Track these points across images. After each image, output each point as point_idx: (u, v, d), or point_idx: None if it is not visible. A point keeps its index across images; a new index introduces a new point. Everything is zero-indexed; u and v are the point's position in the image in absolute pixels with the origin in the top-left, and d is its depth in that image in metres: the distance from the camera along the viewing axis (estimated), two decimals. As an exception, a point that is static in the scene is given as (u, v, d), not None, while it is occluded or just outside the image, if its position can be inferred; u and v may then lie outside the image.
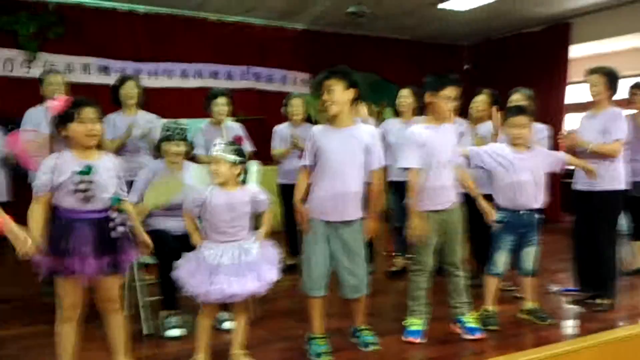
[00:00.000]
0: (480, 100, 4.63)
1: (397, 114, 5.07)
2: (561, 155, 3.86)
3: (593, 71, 4.02)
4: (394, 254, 5.28)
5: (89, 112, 2.61)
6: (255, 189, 3.03)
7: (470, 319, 3.55)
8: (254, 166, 3.67)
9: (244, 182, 2.98)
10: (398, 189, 4.82)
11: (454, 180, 3.49)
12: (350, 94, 3.13)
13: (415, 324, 3.51)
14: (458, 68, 9.86)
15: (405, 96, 4.89)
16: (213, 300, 2.81)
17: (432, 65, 9.28)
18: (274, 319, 3.77)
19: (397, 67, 9.10)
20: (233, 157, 2.88)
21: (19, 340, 3.43)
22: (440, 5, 7.35)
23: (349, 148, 3.13)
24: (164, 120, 4.04)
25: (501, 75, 8.32)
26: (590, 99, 4.09)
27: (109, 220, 2.64)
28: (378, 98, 8.69)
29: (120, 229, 2.65)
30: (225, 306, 3.42)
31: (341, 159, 3.12)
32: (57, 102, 2.64)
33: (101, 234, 2.60)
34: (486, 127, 4.46)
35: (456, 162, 3.54)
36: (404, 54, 9.26)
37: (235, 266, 2.81)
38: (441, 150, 3.40)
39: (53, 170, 2.56)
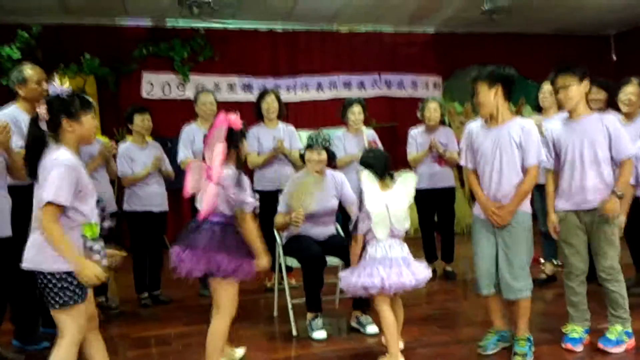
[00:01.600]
0: (631, 92, 4.08)
1: (539, 110, 4.78)
2: None
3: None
4: (541, 260, 4.98)
5: None
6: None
7: (612, 331, 3.21)
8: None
9: None
10: (541, 190, 4.56)
11: (602, 179, 3.17)
12: (497, 90, 3.07)
13: (576, 331, 3.27)
14: (605, 59, 9.11)
15: (548, 91, 4.60)
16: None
17: (574, 59, 8.62)
18: (414, 325, 3.74)
19: (535, 62, 8.58)
20: None
21: (182, 337, 3.76)
22: (584, -7, 6.84)
23: (501, 146, 3.06)
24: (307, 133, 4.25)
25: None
26: None
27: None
28: (517, 96, 8.31)
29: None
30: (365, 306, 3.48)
31: (491, 158, 3.09)
32: (237, 118, 2.88)
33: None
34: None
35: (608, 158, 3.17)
36: (541, 49, 8.72)
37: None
38: (580, 147, 3.16)
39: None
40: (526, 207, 3.13)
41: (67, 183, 2.31)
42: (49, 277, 2.34)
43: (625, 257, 4.43)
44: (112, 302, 4.53)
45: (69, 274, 2.34)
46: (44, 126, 2.42)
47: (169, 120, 6.55)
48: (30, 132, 2.46)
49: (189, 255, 2.73)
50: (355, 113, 4.74)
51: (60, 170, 2.30)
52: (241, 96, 7.51)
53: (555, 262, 4.77)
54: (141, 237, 4.55)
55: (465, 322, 3.87)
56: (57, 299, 2.36)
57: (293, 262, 3.77)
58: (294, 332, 3.65)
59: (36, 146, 2.42)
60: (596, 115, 3.24)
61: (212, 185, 2.74)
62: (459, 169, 5.39)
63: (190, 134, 4.66)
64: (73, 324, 2.41)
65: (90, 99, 2.57)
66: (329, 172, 3.88)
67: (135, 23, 7.35)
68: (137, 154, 4.54)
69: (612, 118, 3.23)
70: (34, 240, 2.38)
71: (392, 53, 8.20)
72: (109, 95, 7.05)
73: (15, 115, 3.58)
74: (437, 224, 5.27)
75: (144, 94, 7.32)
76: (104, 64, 6.97)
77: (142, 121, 4.57)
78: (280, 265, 3.86)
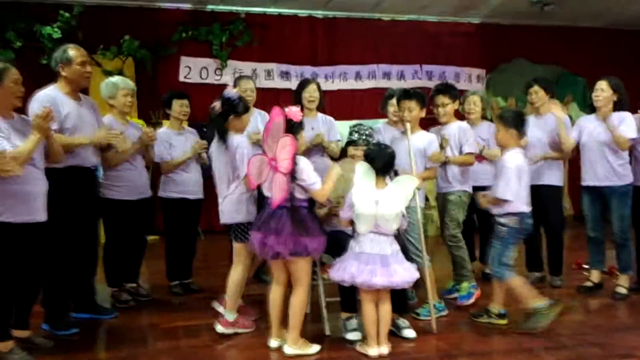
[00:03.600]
0: None
1: (592, 108, 4.49)
2: None
3: None
4: (586, 266, 4.74)
5: None
6: None
7: (462, 288, 3.99)
8: None
9: None
10: (595, 195, 4.33)
11: None
12: None
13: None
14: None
15: (603, 89, 4.31)
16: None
17: (624, 55, 8.27)
18: (453, 333, 3.58)
19: (584, 58, 8.26)
20: None
21: (212, 330, 3.61)
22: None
23: None
24: (351, 123, 4.10)
25: None
26: None
27: None
28: (563, 92, 7.98)
29: None
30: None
31: None
32: (297, 109, 3.19)
33: None
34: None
35: None
36: (591, 43, 8.38)
37: None
38: None
39: None
40: None
41: None
42: None
43: None
44: (143, 289, 4.48)
45: None
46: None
47: (206, 106, 6.45)
48: None
49: (274, 239, 3.06)
50: (394, 105, 4.52)
51: None
52: (278, 83, 7.40)
53: (603, 269, 4.53)
54: (176, 224, 4.49)
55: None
56: None
57: (328, 258, 3.63)
58: (327, 332, 3.52)
59: None
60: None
61: (281, 176, 3.07)
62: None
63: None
64: None
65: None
66: None
67: (176, 5, 7.30)
68: (175, 140, 4.47)
69: None
70: None
71: (434, 43, 7.97)
72: (146, 78, 7.01)
73: (54, 96, 3.53)
74: (478, 224, 5.05)
75: (182, 78, 7.27)
76: (143, 47, 6.93)
77: (180, 107, 4.49)
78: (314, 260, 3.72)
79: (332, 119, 4.65)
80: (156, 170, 4.67)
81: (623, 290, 4.28)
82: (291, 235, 3.05)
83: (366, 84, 7.71)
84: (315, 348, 3.23)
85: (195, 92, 6.90)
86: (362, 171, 3.19)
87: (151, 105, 6.97)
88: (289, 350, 3.16)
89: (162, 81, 7.12)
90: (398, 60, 7.83)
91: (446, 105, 4.07)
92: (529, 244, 4.85)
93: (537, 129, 4.62)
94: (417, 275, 3.16)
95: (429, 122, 4.22)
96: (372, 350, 3.12)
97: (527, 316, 3.54)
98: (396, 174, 3.33)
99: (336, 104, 7.59)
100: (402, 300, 3.52)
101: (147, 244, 4.48)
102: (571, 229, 4.83)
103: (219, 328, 3.55)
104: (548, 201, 4.60)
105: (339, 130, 4.67)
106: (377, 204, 3.08)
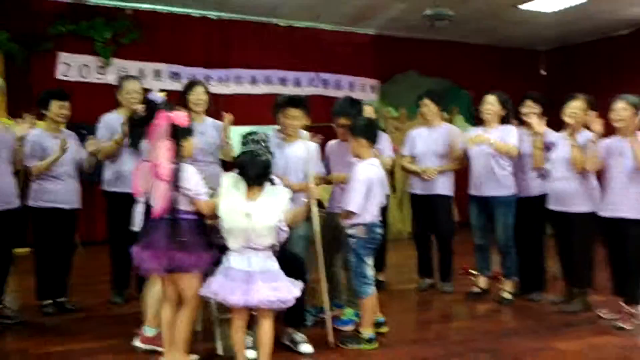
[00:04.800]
0: (576, 107, 4.16)
1: (477, 121, 4.68)
2: None
3: None
4: (473, 272, 4.92)
5: None
6: None
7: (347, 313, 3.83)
8: None
9: None
10: (482, 205, 4.49)
11: None
12: None
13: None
14: (534, 73, 9.39)
15: (492, 103, 4.50)
16: None
17: (507, 71, 8.86)
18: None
19: (470, 73, 8.71)
20: None
21: (90, 355, 3.31)
22: (524, 6, 6.92)
23: None
24: (238, 128, 3.88)
25: (584, 81, 7.81)
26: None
27: None
28: (450, 105, 8.35)
29: None
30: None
31: None
32: (184, 114, 2.98)
33: None
34: (584, 135, 4.07)
35: None
36: (477, 60, 8.87)
37: None
38: None
39: None
40: None
41: None
42: None
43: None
44: (10, 309, 3.97)
45: None
46: None
47: (86, 106, 5.97)
48: None
49: (149, 254, 2.85)
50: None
51: None
52: (168, 85, 6.98)
53: (488, 275, 4.71)
54: (47, 236, 4.04)
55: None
56: None
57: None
58: (220, 351, 3.31)
59: None
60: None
61: (162, 184, 2.83)
62: (390, 174, 5.19)
63: (110, 124, 4.19)
64: None
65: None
66: None
67: (53, -4, 6.66)
68: (50, 143, 4.03)
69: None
70: None
71: (330, 52, 7.98)
72: (17, 74, 6.32)
73: None
74: None
75: (59, 75, 6.65)
76: (13, 40, 6.24)
77: (59, 108, 4.08)
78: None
79: (221, 123, 4.42)
80: (26, 177, 4.15)
81: (508, 296, 4.46)
82: (166, 250, 2.82)
83: (262, 89, 7.53)
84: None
85: (75, 91, 6.35)
86: (230, 182, 2.93)
87: (23, 104, 6.29)
88: None
89: (37, 78, 6.45)
90: (295, 67, 7.75)
91: (345, 126, 3.80)
92: (420, 251, 4.96)
93: (427, 141, 4.74)
94: (295, 294, 2.89)
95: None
96: None
97: (354, 336, 3.49)
98: (272, 183, 3.04)
99: (231, 109, 7.26)
100: (299, 314, 3.39)
101: (12, 259, 3.97)
102: (458, 234, 4.97)
103: (137, 344, 3.29)
104: (439, 210, 4.73)
105: (233, 135, 4.45)
106: (249, 217, 2.84)
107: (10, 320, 3.87)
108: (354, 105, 3.95)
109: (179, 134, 2.91)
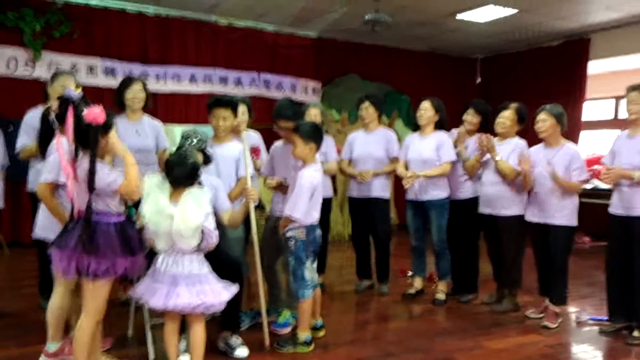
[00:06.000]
0: (505, 116, 4.36)
1: (415, 126, 4.77)
2: None
3: (633, 88, 3.79)
4: (410, 273, 5.02)
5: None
6: None
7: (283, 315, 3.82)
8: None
9: None
10: (417, 207, 4.59)
11: None
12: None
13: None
14: (470, 81, 9.70)
15: (426, 109, 4.61)
16: None
17: (445, 78, 9.12)
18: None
19: (409, 78, 8.89)
20: None
21: (13, 362, 3.14)
22: (460, 16, 7.14)
23: None
24: (183, 128, 3.78)
25: (515, 89, 8.15)
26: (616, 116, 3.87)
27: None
28: (390, 109, 8.50)
29: None
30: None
31: None
32: (98, 111, 2.63)
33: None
34: (513, 143, 4.26)
35: None
36: (416, 65, 9.06)
37: None
38: None
39: None
40: None
41: None
42: None
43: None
44: None
45: None
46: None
47: (13, 100, 5.68)
48: None
49: (59, 255, 2.66)
50: (239, 114, 4.25)
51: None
52: (102, 81, 6.72)
53: (424, 276, 4.83)
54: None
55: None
56: None
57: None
58: (151, 356, 3.22)
59: None
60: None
61: (69, 182, 2.64)
62: (332, 177, 5.21)
63: (36, 120, 3.99)
64: None
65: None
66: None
67: (-23, -16, 6.27)
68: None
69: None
70: None
71: (272, 53, 7.92)
72: None
73: None
74: None
75: (-17, 68, 6.26)
76: None
77: None
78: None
79: (159, 123, 4.30)
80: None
81: (442, 296, 4.59)
82: (74, 253, 2.61)
83: (202, 87, 7.36)
84: None
85: (1, 86, 6.07)
86: (154, 183, 2.84)
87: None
88: None
89: (-42, 70, 6.08)
90: (235, 66, 7.62)
91: (286, 129, 3.77)
92: (359, 253, 5.02)
93: (366, 144, 4.80)
94: (223, 298, 2.84)
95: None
96: None
97: (290, 339, 3.50)
98: (200, 185, 2.98)
99: (169, 107, 7.16)
100: (234, 317, 3.36)
101: None
102: (397, 237, 5.06)
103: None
104: (376, 213, 4.79)
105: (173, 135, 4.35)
106: (172, 219, 2.75)
107: None
108: (294, 107, 3.91)
109: (94, 131, 2.63)
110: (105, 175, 2.64)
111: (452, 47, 9.00)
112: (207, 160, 3.29)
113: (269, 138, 4.50)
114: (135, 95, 4.02)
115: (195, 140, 3.29)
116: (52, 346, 3.10)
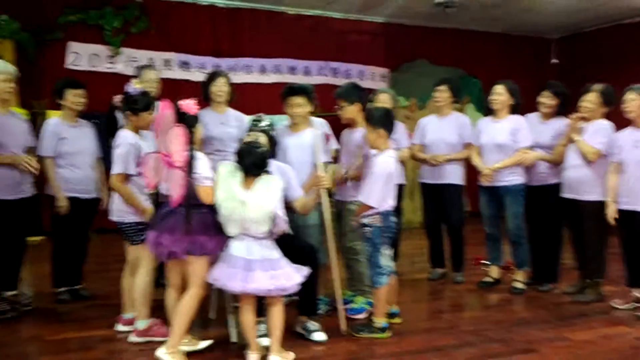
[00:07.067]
0: (588, 100, 4.15)
1: (488, 110, 4.64)
2: None
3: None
4: (486, 262, 4.91)
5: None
6: None
7: (357, 301, 3.85)
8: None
9: None
10: (491, 193, 4.47)
11: None
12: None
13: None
14: (545, 62, 9.31)
15: (500, 93, 4.47)
16: None
17: (518, 59, 8.79)
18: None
19: (481, 61, 8.64)
20: None
21: (106, 342, 3.35)
22: (534, -6, 6.86)
23: None
24: (250, 117, 3.87)
25: (595, 70, 7.71)
26: None
27: None
28: (461, 94, 8.28)
29: None
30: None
31: None
32: (192, 102, 3.00)
33: None
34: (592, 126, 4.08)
35: None
36: (488, 48, 8.78)
37: None
38: None
39: None
40: None
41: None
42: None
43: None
44: (24, 296, 4.01)
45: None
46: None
47: (96, 95, 5.94)
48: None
49: (168, 238, 2.89)
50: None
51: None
52: (178, 74, 6.99)
53: (500, 265, 4.71)
54: (64, 224, 4.04)
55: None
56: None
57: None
58: (233, 338, 3.33)
59: None
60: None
61: (178, 171, 2.89)
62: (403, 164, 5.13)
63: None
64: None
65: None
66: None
67: (63, -15, 6.64)
68: (68, 132, 4.04)
69: None
70: None
71: (340, 41, 7.93)
72: (28, 63, 6.32)
73: None
74: None
75: (68, 65, 6.64)
76: (24, 29, 6.24)
77: (74, 97, 4.06)
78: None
79: (244, 116, 4.41)
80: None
81: (520, 285, 4.46)
82: (186, 234, 2.88)
83: (271, 78, 7.50)
84: (204, 343, 3.19)
85: (85, 81, 6.33)
86: (227, 170, 2.99)
87: (34, 93, 6.33)
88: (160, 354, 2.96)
89: (47, 68, 6.46)
90: (304, 56, 7.70)
91: (342, 108, 3.88)
92: (432, 241, 4.96)
93: (439, 130, 4.72)
94: (296, 281, 2.94)
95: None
96: (250, 357, 2.99)
97: (366, 325, 3.51)
98: (268, 173, 3.08)
99: (240, 98, 7.26)
100: (312, 303, 3.41)
101: (26, 247, 4.01)
102: (470, 225, 4.96)
103: (133, 338, 3.31)
104: (450, 199, 4.72)
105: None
106: (245, 205, 2.89)
107: (26, 307, 3.92)
108: (356, 90, 3.94)
109: (188, 121, 2.95)
110: (205, 166, 2.93)
111: (526, 28, 8.66)
112: (273, 143, 3.40)
113: (333, 125, 4.50)
114: (219, 88, 4.17)
115: (263, 124, 3.39)
116: (141, 323, 3.29)
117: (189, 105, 2.99)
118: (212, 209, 2.96)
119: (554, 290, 4.46)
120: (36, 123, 5.45)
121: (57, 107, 4.17)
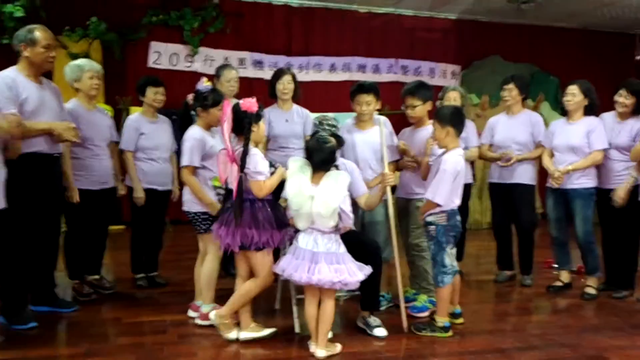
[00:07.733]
0: None
1: (562, 110, 4.48)
2: None
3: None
4: (555, 266, 4.76)
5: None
6: None
7: (419, 299, 3.83)
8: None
9: None
10: (559, 196, 4.33)
11: None
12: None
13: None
14: (628, 58, 8.83)
15: (574, 93, 4.30)
16: None
17: (598, 56, 8.40)
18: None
19: (557, 57, 8.33)
20: None
21: (178, 326, 3.54)
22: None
23: None
24: (315, 115, 3.97)
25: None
26: None
27: None
28: (535, 91, 8.03)
29: None
30: None
31: None
32: (253, 100, 3.10)
33: None
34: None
35: None
36: (566, 44, 8.46)
37: None
38: None
39: None
40: None
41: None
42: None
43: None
44: (106, 281, 4.31)
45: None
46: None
47: (175, 92, 6.26)
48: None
49: (224, 231, 3.08)
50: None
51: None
52: (251, 73, 7.23)
53: (572, 269, 4.56)
54: (142, 214, 4.31)
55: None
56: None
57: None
58: (297, 329, 3.44)
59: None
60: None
61: (235, 167, 3.05)
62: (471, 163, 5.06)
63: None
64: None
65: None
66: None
67: (146, -12, 7.02)
68: (147, 128, 4.29)
69: None
70: None
71: (410, 38, 7.91)
72: (114, 62, 6.75)
73: (14, 77, 3.35)
74: None
75: (150, 63, 7.03)
76: (110, 30, 6.67)
77: (154, 94, 4.31)
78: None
79: (308, 112, 4.52)
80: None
81: (592, 291, 4.30)
82: (239, 228, 3.03)
83: (340, 76, 7.59)
84: (268, 331, 3.30)
85: (165, 79, 6.67)
86: (297, 166, 3.10)
87: (118, 90, 6.75)
88: (243, 335, 3.22)
89: (130, 66, 6.88)
90: (374, 53, 7.74)
91: (415, 107, 3.81)
92: (500, 242, 4.86)
93: (509, 129, 4.61)
94: (358, 277, 3.00)
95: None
96: (312, 347, 3.09)
97: (428, 324, 3.49)
98: (337, 168, 3.20)
99: (309, 96, 7.43)
100: (374, 299, 3.46)
101: (108, 234, 4.32)
102: (541, 227, 4.81)
103: (198, 321, 3.54)
104: (520, 200, 4.60)
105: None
106: (313, 200, 2.99)
107: (107, 291, 4.22)
108: (426, 88, 3.88)
109: (248, 119, 3.06)
110: (256, 162, 3.03)
111: (607, 23, 8.25)
112: (340, 143, 3.42)
113: (401, 123, 4.50)
114: (285, 86, 4.30)
115: (327, 126, 3.47)
116: (206, 307, 3.48)
117: (249, 103, 3.09)
118: (270, 203, 3.11)
119: (629, 297, 4.27)
120: (120, 118, 5.84)
121: (140, 103, 4.44)
